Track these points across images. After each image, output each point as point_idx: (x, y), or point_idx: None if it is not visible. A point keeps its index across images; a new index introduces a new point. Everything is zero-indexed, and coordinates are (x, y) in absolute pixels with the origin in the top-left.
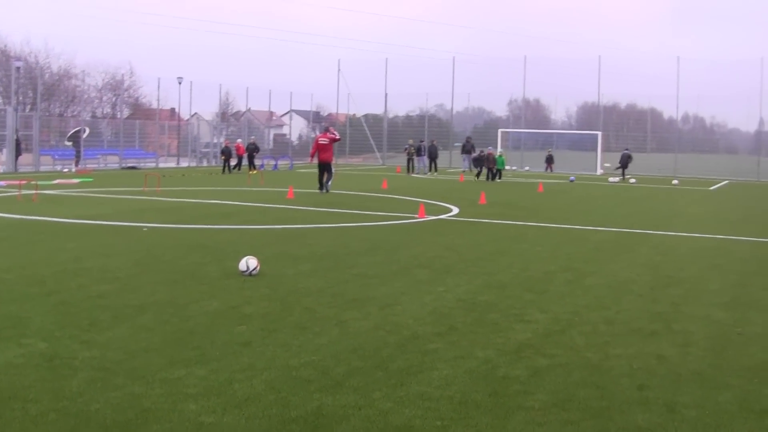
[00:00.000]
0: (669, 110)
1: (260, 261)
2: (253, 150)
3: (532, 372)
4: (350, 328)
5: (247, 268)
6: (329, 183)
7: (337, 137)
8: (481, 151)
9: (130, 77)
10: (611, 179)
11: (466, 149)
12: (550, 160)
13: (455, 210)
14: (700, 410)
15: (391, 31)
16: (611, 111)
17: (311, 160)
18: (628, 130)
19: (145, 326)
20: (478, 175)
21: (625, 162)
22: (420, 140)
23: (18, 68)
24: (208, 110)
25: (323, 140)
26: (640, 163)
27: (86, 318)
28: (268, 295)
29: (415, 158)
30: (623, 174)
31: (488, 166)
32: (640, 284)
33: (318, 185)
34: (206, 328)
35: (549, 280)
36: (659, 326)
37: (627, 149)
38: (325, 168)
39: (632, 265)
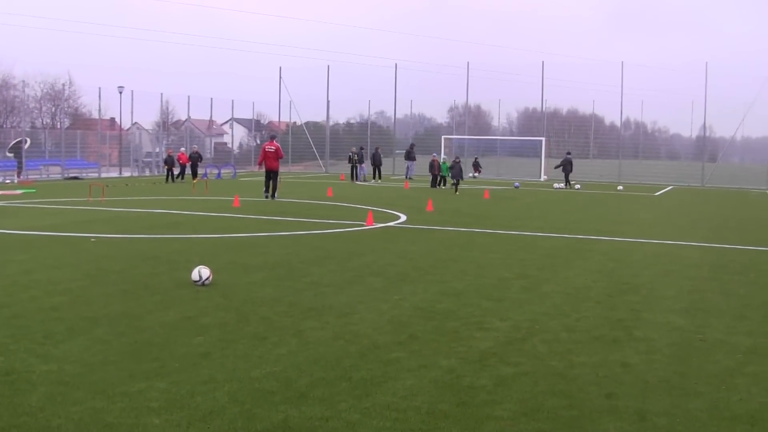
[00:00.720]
0: (610, 116)
1: (212, 270)
2: (196, 159)
3: (498, 381)
4: (309, 338)
5: (200, 277)
6: (276, 192)
7: (281, 154)
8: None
9: (70, 87)
10: (556, 185)
11: (411, 156)
12: (477, 166)
13: (403, 217)
14: (671, 418)
15: (332, 38)
16: (552, 117)
17: (258, 167)
18: (569, 136)
19: (102, 338)
20: (432, 182)
21: (565, 166)
22: (361, 147)
23: None
24: (149, 119)
25: (270, 148)
26: (583, 168)
27: (41, 331)
28: (223, 305)
29: (358, 166)
30: (567, 180)
31: (433, 173)
32: (596, 291)
33: (264, 191)
34: (163, 339)
35: (505, 288)
36: (621, 333)
37: (569, 153)
38: (271, 175)
39: (586, 272)
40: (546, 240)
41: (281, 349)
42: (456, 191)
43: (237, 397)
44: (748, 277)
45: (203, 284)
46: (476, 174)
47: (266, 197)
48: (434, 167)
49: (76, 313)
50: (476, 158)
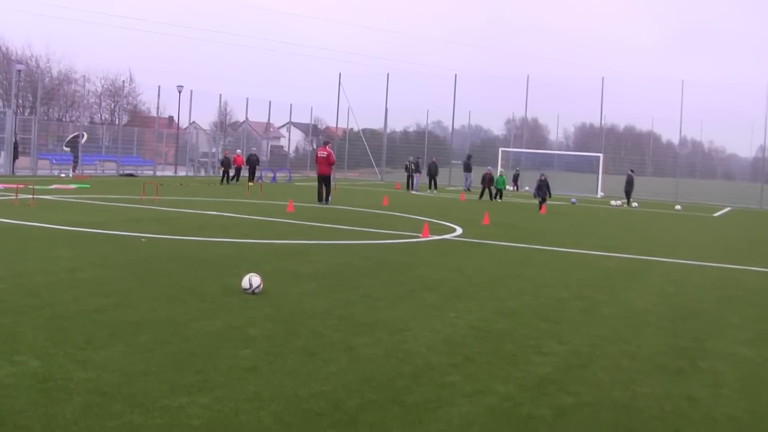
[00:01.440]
0: (667, 134)
1: (263, 278)
2: (254, 162)
3: (558, 411)
4: (361, 355)
5: (250, 285)
6: (329, 197)
7: (333, 160)
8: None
9: (130, 84)
10: (613, 202)
11: (468, 167)
12: (516, 179)
13: (459, 230)
14: None
15: (393, 46)
16: (609, 133)
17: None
18: (626, 153)
19: (144, 346)
20: (481, 194)
21: (629, 183)
22: (417, 157)
23: (19, 71)
24: (206, 120)
25: (322, 153)
26: (640, 186)
27: (82, 334)
28: (272, 316)
29: (414, 175)
30: (629, 197)
31: (487, 186)
32: (657, 316)
33: (317, 198)
34: (208, 350)
35: (563, 309)
36: (685, 363)
37: (632, 171)
38: (323, 181)
39: (646, 295)
40: (603, 259)
41: (331, 367)
42: (541, 210)
43: (283, 417)
44: None
45: (253, 292)
46: (515, 188)
47: (320, 203)
48: (485, 180)
49: (119, 317)
50: (517, 171)
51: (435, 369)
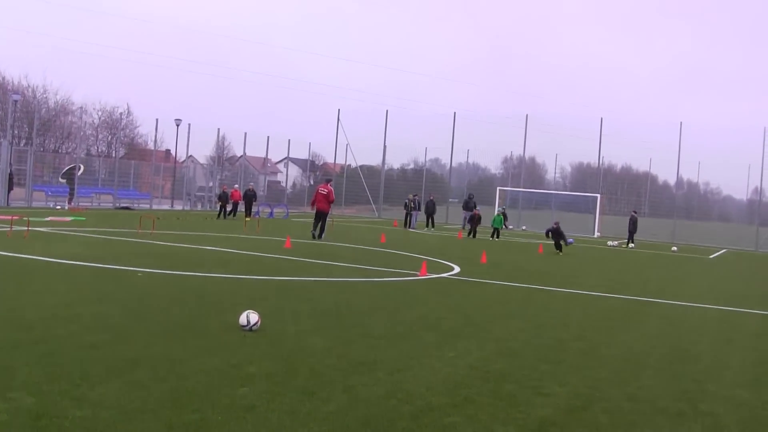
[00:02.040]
0: (663, 174)
1: (261, 315)
2: (251, 197)
3: None
4: (360, 395)
5: (248, 322)
6: (323, 233)
7: (332, 198)
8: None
9: (127, 116)
10: (610, 243)
11: (468, 206)
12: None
13: (457, 269)
14: None
15: (392, 83)
16: (606, 173)
17: (311, 207)
18: (622, 193)
19: (141, 383)
20: (469, 233)
21: (632, 224)
22: (416, 194)
23: (15, 101)
24: (203, 153)
25: (323, 190)
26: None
27: (77, 371)
28: (270, 354)
29: (414, 213)
30: (631, 238)
31: (474, 226)
32: (656, 358)
33: (311, 229)
34: (206, 387)
35: (562, 349)
36: (685, 406)
37: (635, 212)
38: (320, 217)
39: (644, 337)
40: (602, 300)
41: (330, 406)
42: (559, 251)
43: None
44: None
45: (251, 329)
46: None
47: (313, 235)
48: (474, 220)
49: (115, 353)
50: (503, 209)
51: (435, 410)
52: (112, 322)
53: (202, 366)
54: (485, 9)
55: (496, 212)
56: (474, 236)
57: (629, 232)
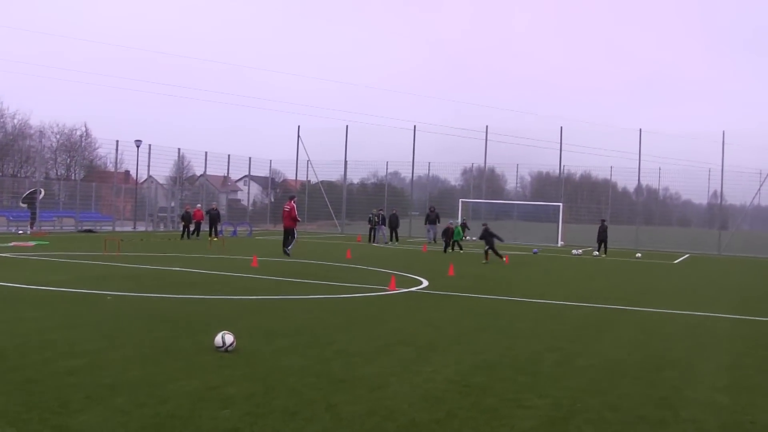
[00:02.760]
0: (623, 181)
1: (235, 336)
2: (215, 216)
3: None
4: (343, 414)
5: (224, 343)
6: (290, 246)
7: (294, 215)
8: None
9: (86, 138)
10: (575, 251)
11: (431, 219)
12: (463, 229)
13: (425, 282)
14: None
15: (352, 98)
16: (566, 182)
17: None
18: (582, 201)
19: (121, 409)
20: (445, 248)
21: (601, 233)
22: (380, 209)
23: None
24: (163, 174)
25: (286, 208)
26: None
27: (56, 398)
28: (249, 375)
29: (381, 227)
30: (601, 247)
31: (449, 239)
32: (632, 366)
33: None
34: (187, 411)
35: (538, 361)
36: (667, 414)
37: (604, 220)
38: (287, 233)
39: (619, 345)
40: (573, 309)
41: (315, 426)
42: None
43: None
44: None
45: (226, 350)
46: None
47: (285, 252)
48: (448, 233)
49: (93, 379)
50: (464, 221)
51: (419, 426)
52: (87, 348)
53: (181, 389)
54: (444, 22)
55: (456, 224)
56: (451, 250)
57: (599, 241)
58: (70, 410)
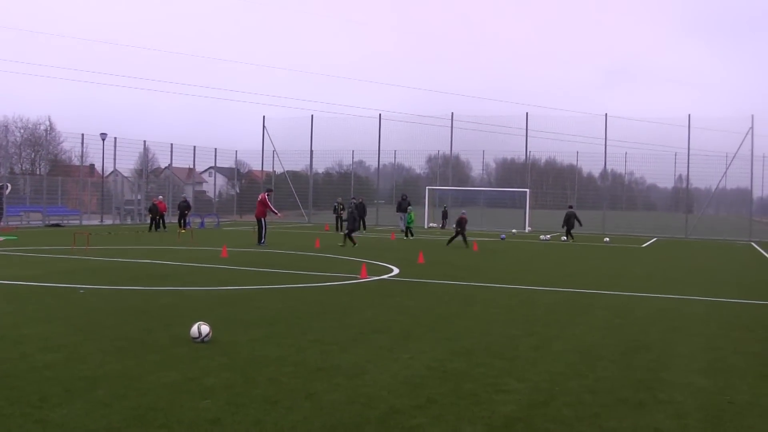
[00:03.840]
0: (588, 167)
1: (211, 326)
2: (184, 208)
3: None
4: (323, 402)
5: (200, 334)
6: (262, 239)
7: (265, 204)
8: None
9: (50, 132)
10: (543, 237)
11: (402, 207)
12: (444, 216)
13: (396, 270)
14: None
15: (315, 87)
16: (531, 168)
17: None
18: (548, 187)
19: (102, 401)
20: (451, 239)
21: (568, 219)
22: (353, 198)
23: None
24: (127, 167)
25: (259, 198)
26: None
27: (35, 392)
28: (226, 365)
29: (344, 216)
30: (569, 234)
31: (461, 230)
32: (608, 349)
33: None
34: (167, 403)
35: (515, 346)
36: (645, 396)
37: (571, 207)
38: (258, 222)
39: (593, 329)
40: (545, 294)
41: (295, 415)
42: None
43: None
44: (757, 333)
45: (203, 341)
46: (443, 225)
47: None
48: (461, 224)
49: (71, 373)
50: (445, 207)
51: (400, 412)
52: (62, 341)
53: (159, 381)
54: (408, 9)
55: (408, 211)
56: (466, 242)
57: (568, 228)
58: (51, 404)
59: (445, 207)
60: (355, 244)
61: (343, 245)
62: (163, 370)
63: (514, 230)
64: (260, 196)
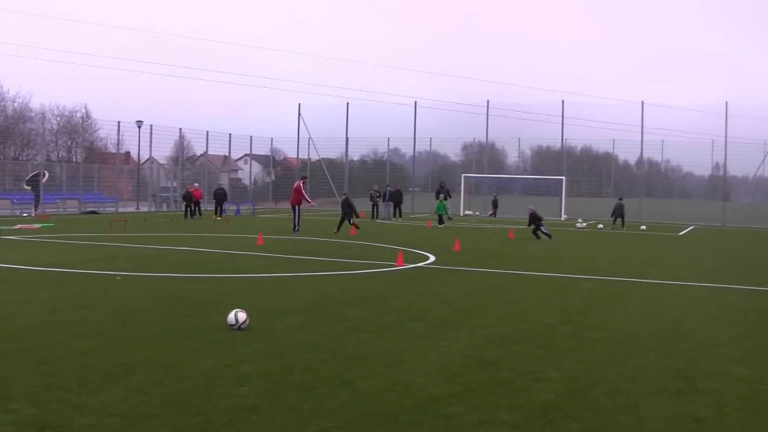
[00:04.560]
0: (624, 154)
1: (248, 314)
2: (221, 196)
3: None
4: (360, 389)
5: (236, 321)
6: (297, 227)
7: (299, 192)
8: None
9: (86, 120)
10: (579, 224)
11: (441, 196)
12: (495, 204)
13: (432, 257)
14: None
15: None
16: (567, 156)
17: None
18: (583, 175)
19: (139, 388)
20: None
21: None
22: (387, 185)
23: None
24: (162, 154)
25: (295, 186)
26: (604, 208)
27: (73, 378)
28: (263, 352)
29: (380, 204)
30: (622, 222)
31: (536, 226)
32: (645, 338)
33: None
34: (205, 389)
35: (551, 334)
36: (683, 384)
37: (621, 199)
38: (293, 209)
39: (630, 317)
40: (581, 282)
41: (332, 402)
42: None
43: None
44: None
45: (239, 328)
46: (494, 214)
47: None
48: (534, 219)
49: (109, 359)
50: (495, 196)
51: (437, 400)
52: (100, 328)
53: (196, 368)
54: None
55: (439, 199)
56: (538, 238)
57: (620, 216)
58: (89, 390)
59: (495, 196)
60: (339, 231)
61: (337, 232)
62: (200, 357)
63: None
64: (296, 184)
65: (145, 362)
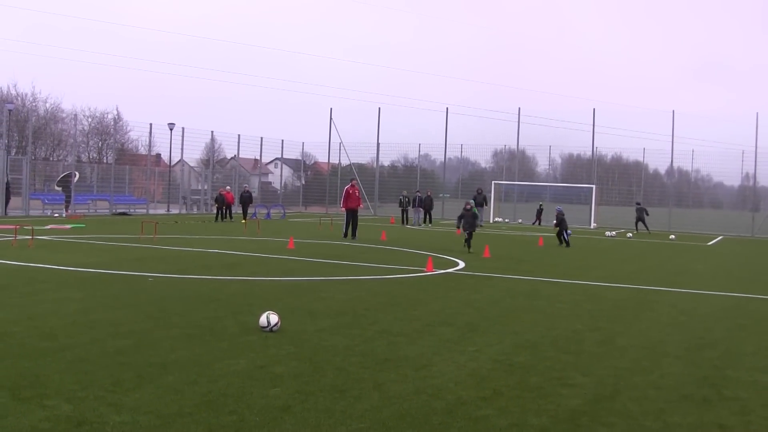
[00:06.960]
0: (654, 163)
1: (280, 316)
2: (247, 199)
3: None
4: (390, 392)
5: (268, 323)
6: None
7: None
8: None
9: (118, 122)
10: (608, 233)
11: (477, 202)
12: (539, 213)
13: (462, 263)
14: None
15: (383, 80)
16: (597, 164)
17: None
18: (613, 184)
19: (173, 387)
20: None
21: (641, 216)
22: (417, 191)
23: (10, 111)
24: (192, 157)
25: (350, 190)
26: (630, 217)
27: (108, 377)
28: (295, 354)
29: (410, 209)
30: (646, 227)
31: (562, 228)
32: (673, 345)
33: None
34: (238, 389)
35: (580, 340)
36: (710, 392)
37: (639, 203)
38: (350, 214)
39: (658, 325)
40: (610, 290)
41: (364, 404)
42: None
43: None
44: None
45: (271, 330)
46: (539, 222)
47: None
48: (563, 223)
49: (143, 359)
50: (541, 205)
51: (467, 404)
52: (133, 328)
53: (229, 368)
54: (476, 3)
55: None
56: (563, 243)
57: (644, 222)
58: (124, 388)
59: (540, 204)
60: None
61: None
62: (233, 357)
63: (568, 231)
64: (354, 190)
65: (178, 362)
